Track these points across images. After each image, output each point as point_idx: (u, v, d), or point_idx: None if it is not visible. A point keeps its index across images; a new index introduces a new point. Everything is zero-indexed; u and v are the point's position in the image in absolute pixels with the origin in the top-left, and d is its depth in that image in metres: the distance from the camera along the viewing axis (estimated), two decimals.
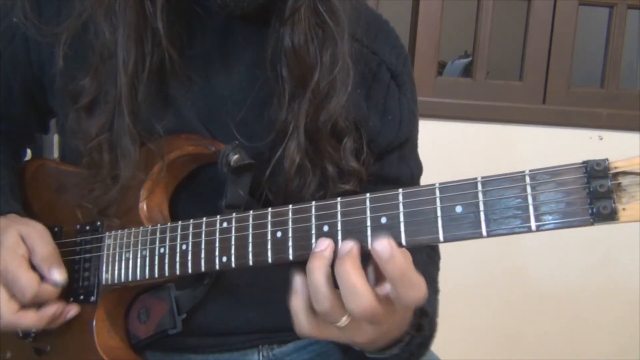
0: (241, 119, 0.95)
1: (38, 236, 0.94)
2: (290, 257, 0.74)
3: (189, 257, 0.84)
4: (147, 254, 0.89)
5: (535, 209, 0.60)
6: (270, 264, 0.76)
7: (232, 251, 0.80)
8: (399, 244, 0.68)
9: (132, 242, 0.91)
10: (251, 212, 0.79)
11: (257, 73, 0.96)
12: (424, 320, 0.84)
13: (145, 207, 0.93)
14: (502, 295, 2.43)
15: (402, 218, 0.67)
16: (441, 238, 0.65)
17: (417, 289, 0.67)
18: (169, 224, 0.88)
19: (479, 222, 0.63)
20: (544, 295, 2.44)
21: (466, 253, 2.29)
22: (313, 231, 0.73)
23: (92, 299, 0.95)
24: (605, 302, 2.44)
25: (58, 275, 0.93)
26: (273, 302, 1.01)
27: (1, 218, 0.96)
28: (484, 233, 0.63)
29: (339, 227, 0.71)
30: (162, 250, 0.87)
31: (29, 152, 1.30)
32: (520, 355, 2.44)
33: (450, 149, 2.32)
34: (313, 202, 0.74)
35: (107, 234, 0.95)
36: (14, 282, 0.90)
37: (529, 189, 0.61)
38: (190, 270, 0.84)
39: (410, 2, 2.41)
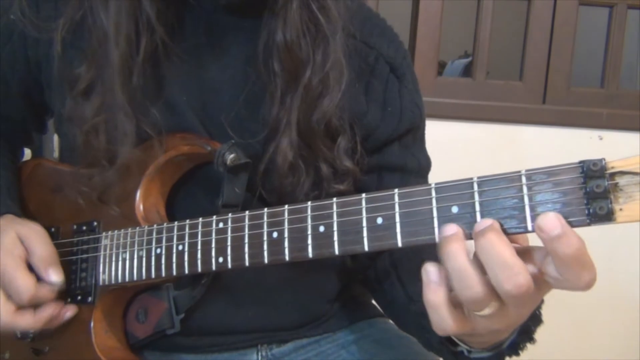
0: (234, 114, 0.95)
1: (36, 237, 0.94)
2: (287, 257, 0.74)
3: (186, 258, 0.84)
4: (144, 255, 0.89)
5: (532, 209, 0.60)
6: (267, 264, 0.76)
7: (229, 252, 0.80)
8: (395, 244, 0.67)
9: (128, 243, 0.91)
10: (247, 212, 0.79)
11: (250, 68, 0.96)
12: (535, 324, 0.78)
13: (141, 207, 0.93)
14: None
15: (398, 218, 0.67)
16: (437, 238, 0.65)
17: (590, 269, 0.60)
18: (165, 225, 0.87)
19: (476, 222, 0.62)
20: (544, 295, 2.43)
21: None
22: (309, 231, 0.73)
23: (90, 299, 0.95)
24: (605, 302, 2.44)
25: (55, 277, 0.93)
26: (272, 301, 1.02)
27: None
28: None
29: (335, 228, 0.71)
30: (158, 250, 0.87)
31: (29, 152, 1.29)
32: (520, 355, 2.43)
33: (450, 149, 2.32)
34: (309, 202, 0.74)
35: (103, 234, 0.95)
36: (11, 284, 0.90)
37: (525, 189, 0.60)
38: (187, 271, 0.84)
39: (410, 2, 2.41)
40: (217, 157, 0.88)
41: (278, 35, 0.90)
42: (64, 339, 0.98)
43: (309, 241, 0.73)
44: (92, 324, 0.94)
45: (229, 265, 0.80)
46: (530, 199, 0.60)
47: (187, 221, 0.85)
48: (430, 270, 0.64)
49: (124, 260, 0.91)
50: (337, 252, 0.71)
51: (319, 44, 0.92)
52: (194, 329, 0.98)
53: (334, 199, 0.72)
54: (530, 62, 2.42)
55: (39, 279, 0.92)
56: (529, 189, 0.60)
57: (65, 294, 0.96)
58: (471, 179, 0.63)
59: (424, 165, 1.08)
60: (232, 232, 0.79)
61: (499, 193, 0.61)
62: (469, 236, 0.63)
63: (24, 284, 0.90)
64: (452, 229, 0.63)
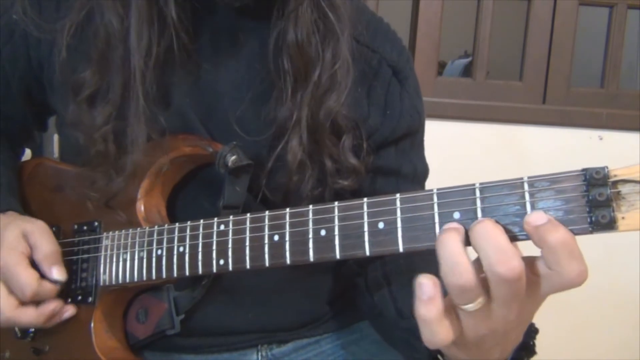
0: (242, 113, 0.95)
1: (40, 234, 0.94)
2: (288, 260, 0.74)
3: (186, 260, 0.84)
4: (145, 256, 0.89)
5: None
6: (268, 267, 0.76)
7: (230, 254, 0.80)
8: (396, 250, 0.67)
9: (129, 244, 0.91)
10: (248, 215, 0.79)
11: (258, 67, 0.96)
12: (532, 338, 0.75)
13: (142, 208, 0.93)
14: None
15: (399, 223, 0.67)
16: None
17: (580, 259, 0.58)
18: (166, 226, 0.87)
19: None
20: None
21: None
22: (310, 235, 0.73)
23: (90, 299, 0.95)
24: (605, 302, 2.44)
25: (58, 273, 0.93)
26: (272, 302, 1.02)
27: (1, 215, 0.97)
28: None
29: (336, 232, 0.71)
30: (159, 252, 0.87)
31: (29, 151, 1.29)
32: None
33: (450, 149, 2.32)
34: (310, 206, 0.74)
35: (104, 234, 0.95)
36: (13, 279, 0.90)
37: (527, 196, 0.60)
38: (187, 273, 0.84)
39: (410, 2, 2.41)
40: (218, 159, 0.88)
41: (289, 34, 0.90)
42: (64, 339, 0.98)
43: (310, 245, 0.73)
44: (92, 324, 0.95)
45: (230, 268, 0.80)
46: (532, 206, 0.60)
47: (188, 223, 0.85)
48: (423, 283, 0.61)
49: (124, 260, 0.92)
50: (338, 256, 0.71)
51: (328, 42, 0.92)
52: (194, 330, 0.98)
53: (336, 203, 0.72)
54: (530, 62, 2.42)
55: (41, 275, 0.92)
56: (531, 195, 0.60)
57: (65, 294, 0.96)
58: (473, 184, 0.63)
59: (421, 171, 1.08)
60: (233, 235, 0.79)
61: (501, 199, 0.61)
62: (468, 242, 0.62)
63: (27, 279, 0.90)
64: (452, 223, 0.63)
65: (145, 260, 0.89)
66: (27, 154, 1.29)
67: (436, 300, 0.60)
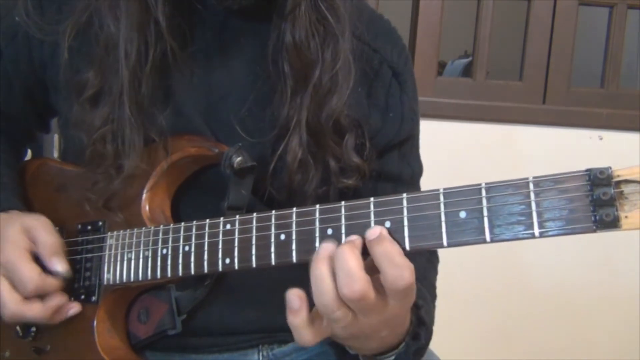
0: (243, 115, 0.96)
1: (41, 228, 0.95)
2: (294, 259, 0.75)
3: (192, 259, 0.84)
4: (150, 255, 0.89)
5: (539, 215, 0.61)
6: (274, 266, 0.77)
7: (235, 253, 0.80)
8: (402, 249, 0.68)
9: (134, 243, 0.91)
10: (255, 214, 0.79)
11: (258, 69, 0.96)
12: (421, 329, 0.84)
13: (147, 208, 0.93)
14: (502, 295, 2.44)
15: (406, 222, 0.68)
16: (445, 243, 0.66)
17: (401, 268, 0.67)
18: (171, 225, 0.88)
19: (483, 227, 0.63)
20: (545, 295, 2.44)
21: (466, 253, 2.28)
22: (317, 234, 0.73)
23: (93, 299, 0.95)
24: (605, 302, 2.45)
25: (60, 266, 0.93)
26: (273, 302, 1.01)
27: (2, 214, 0.97)
28: (488, 239, 0.63)
29: (343, 231, 0.72)
30: (164, 251, 0.87)
31: (29, 151, 1.30)
32: (520, 356, 2.44)
33: (450, 149, 2.32)
34: (317, 206, 0.74)
35: (109, 234, 0.95)
36: (16, 274, 0.90)
37: (532, 195, 0.61)
38: (193, 272, 0.84)
39: (410, 2, 2.41)
40: (224, 160, 0.89)
41: (287, 36, 0.91)
42: (65, 338, 0.98)
43: (317, 244, 0.73)
44: (95, 324, 0.94)
45: (236, 267, 0.80)
46: (537, 206, 0.61)
47: (194, 222, 0.85)
48: (291, 299, 0.73)
49: (129, 260, 0.92)
50: None
51: (328, 43, 0.92)
52: (196, 330, 0.98)
53: (342, 203, 0.73)
54: (530, 62, 2.42)
55: (45, 270, 0.93)
56: (536, 195, 0.61)
57: (69, 293, 0.96)
58: (479, 184, 0.64)
59: (417, 172, 1.09)
60: (239, 234, 0.80)
61: (506, 199, 0.62)
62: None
63: (29, 274, 0.90)
64: (327, 247, 0.71)
65: (150, 260, 0.89)
66: (28, 154, 1.29)
67: (301, 311, 0.72)
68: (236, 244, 0.80)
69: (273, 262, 0.77)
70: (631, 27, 2.55)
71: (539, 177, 0.61)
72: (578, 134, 2.38)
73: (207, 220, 0.84)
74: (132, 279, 0.91)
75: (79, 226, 1.00)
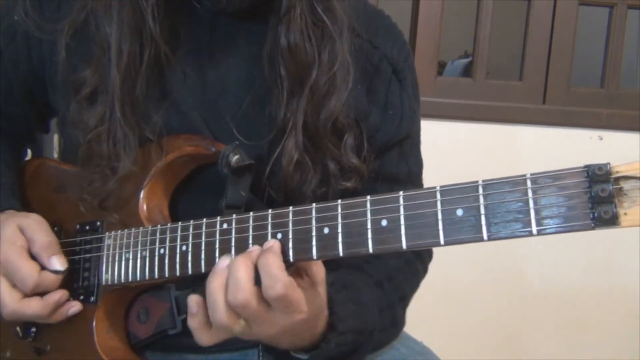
0: (240, 116, 0.96)
1: (36, 226, 0.95)
2: (291, 258, 0.75)
3: (189, 258, 0.84)
4: (147, 255, 0.89)
5: (537, 213, 0.60)
6: None
7: (233, 252, 0.80)
8: (399, 248, 0.68)
9: (132, 243, 0.91)
10: (251, 213, 0.79)
11: (255, 70, 0.96)
12: (331, 334, 0.85)
13: (145, 207, 0.93)
14: (502, 295, 2.43)
15: (402, 221, 0.67)
16: (442, 241, 0.65)
17: (274, 280, 0.72)
18: (169, 225, 0.88)
19: (480, 225, 0.63)
20: (544, 295, 2.44)
21: (466, 253, 2.29)
22: (313, 233, 0.73)
23: (92, 299, 0.95)
24: (605, 302, 2.44)
25: (58, 263, 0.93)
26: None
27: (0, 214, 0.97)
28: (485, 237, 0.63)
29: (339, 230, 0.71)
30: (162, 251, 0.87)
31: (29, 151, 1.30)
32: (520, 356, 2.44)
33: (450, 149, 2.32)
34: (314, 204, 0.74)
35: (107, 234, 0.95)
36: (15, 273, 0.90)
37: (530, 192, 0.60)
38: (190, 271, 0.84)
39: (410, 2, 2.41)
40: (221, 159, 0.88)
41: (282, 39, 0.91)
42: (65, 339, 0.98)
43: (314, 242, 0.73)
44: (94, 324, 0.94)
45: None
46: (535, 203, 0.60)
47: (191, 222, 0.85)
48: (190, 305, 0.79)
49: (127, 260, 0.92)
50: (341, 253, 0.71)
51: (325, 46, 0.92)
52: None
53: (339, 201, 0.72)
54: (530, 62, 2.42)
55: (42, 268, 0.93)
56: (534, 192, 0.60)
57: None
58: (476, 182, 0.63)
59: (415, 171, 1.09)
60: (236, 233, 0.80)
61: (504, 196, 0.62)
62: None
63: (28, 271, 0.90)
64: (222, 263, 0.77)
65: (147, 260, 0.89)
66: (28, 154, 1.29)
67: (198, 315, 0.79)
68: (233, 243, 0.80)
69: None
70: (631, 27, 2.55)
71: (536, 174, 0.60)
72: (578, 134, 2.38)
73: (204, 220, 0.83)
74: (130, 279, 0.91)
75: (77, 226, 1.00)
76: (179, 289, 0.95)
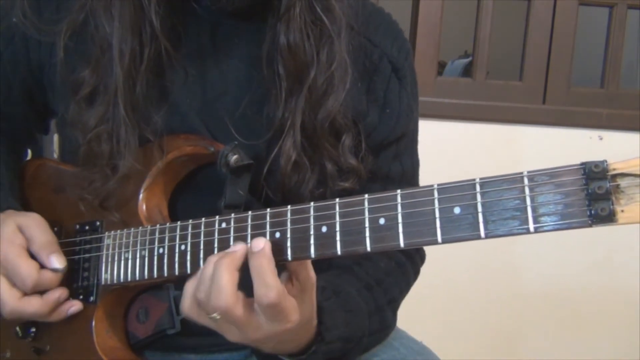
0: (239, 116, 0.96)
1: (35, 225, 0.95)
2: (289, 257, 0.74)
3: (188, 258, 0.84)
4: (146, 254, 0.89)
5: (534, 210, 0.60)
6: None
7: None
8: (397, 246, 0.68)
9: (131, 242, 0.91)
10: (250, 212, 0.79)
11: (254, 70, 0.96)
12: (319, 344, 0.84)
13: (144, 207, 0.93)
14: (502, 295, 2.43)
15: (400, 219, 0.67)
16: (439, 239, 0.65)
17: (268, 288, 0.71)
18: (167, 224, 0.88)
19: (477, 223, 0.63)
20: (544, 295, 2.44)
21: (466, 253, 2.29)
22: (312, 232, 0.73)
23: (92, 299, 0.95)
24: (605, 302, 2.44)
25: (57, 261, 0.93)
26: None
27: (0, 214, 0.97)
28: (482, 234, 0.63)
29: (338, 228, 0.71)
30: (161, 250, 0.87)
31: (29, 152, 1.30)
32: (520, 356, 2.44)
33: (450, 149, 2.32)
34: (312, 203, 0.74)
35: (106, 234, 0.95)
36: (14, 272, 0.90)
37: (527, 190, 0.60)
38: (189, 271, 0.84)
39: (410, 2, 2.41)
40: (220, 158, 0.88)
41: (281, 38, 0.91)
42: (65, 339, 0.98)
43: (312, 241, 0.73)
44: (93, 324, 0.95)
45: None
46: (532, 200, 0.60)
47: (190, 221, 0.85)
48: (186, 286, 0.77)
49: (126, 259, 0.92)
50: (339, 252, 0.71)
51: (323, 45, 0.92)
52: (195, 329, 0.97)
53: (337, 200, 0.72)
54: (530, 62, 2.42)
55: (42, 267, 0.93)
56: (531, 190, 0.60)
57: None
58: (473, 180, 0.63)
59: (409, 171, 1.08)
60: (234, 232, 0.79)
61: (501, 194, 0.62)
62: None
63: (27, 270, 0.90)
64: (237, 247, 0.75)
65: (147, 259, 0.89)
66: (28, 154, 1.29)
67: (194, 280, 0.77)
68: (232, 242, 0.79)
69: None
70: (631, 27, 2.55)
71: (533, 172, 0.60)
72: (578, 134, 2.38)
73: (203, 219, 0.84)
74: (129, 279, 0.91)
75: (77, 226, 1.00)
76: (178, 289, 0.95)
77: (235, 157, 0.88)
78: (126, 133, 0.92)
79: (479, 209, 0.63)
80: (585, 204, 0.58)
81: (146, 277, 0.89)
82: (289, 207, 0.76)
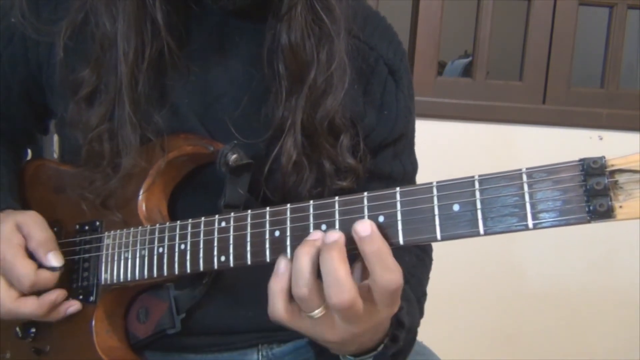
0: (238, 115, 0.96)
1: (34, 223, 0.95)
2: (289, 256, 0.74)
3: (188, 257, 0.84)
4: (146, 254, 0.89)
5: (532, 207, 0.60)
6: (269, 263, 0.76)
7: (231, 250, 0.80)
8: (397, 243, 0.68)
9: (130, 242, 0.91)
10: (249, 211, 0.79)
11: (254, 70, 0.96)
12: (399, 331, 0.83)
13: (144, 207, 0.93)
14: (502, 295, 2.43)
15: (399, 217, 0.67)
16: (439, 236, 0.65)
17: (392, 271, 0.67)
18: (167, 224, 0.88)
19: (476, 220, 0.63)
20: (544, 295, 2.44)
21: (466, 252, 2.29)
22: (311, 230, 0.73)
23: (91, 298, 0.95)
24: (605, 302, 2.44)
25: (54, 259, 0.94)
26: None
27: None
28: (481, 231, 0.63)
29: (337, 226, 0.71)
30: (160, 250, 0.87)
31: (29, 152, 1.30)
32: (520, 355, 2.44)
33: (450, 149, 2.32)
34: (311, 201, 0.74)
35: (106, 233, 0.95)
36: (12, 271, 0.91)
37: (526, 187, 0.60)
38: (188, 270, 0.84)
39: (410, 2, 2.41)
40: (219, 158, 0.88)
41: (283, 37, 0.91)
42: (65, 339, 0.98)
43: None
44: (93, 323, 0.94)
45: (231, 264, 0.80)
46: (530, 197, 0.60)
47: (189, 220, 0.85)
48: (280, 262, 0.72)
49: (126, 259, 0.92)
50: None
51: (323, 45, 0.92)
52: (195, 329, 0.98)
53: (336, 198, 0.72)
54: (530, 62, 2.42)
55: (40, 266, 0.93)
56: (530, 187, 0.60)
57: (67, 293, 0.96)
58: (472, 177, 0.64)
59: (410, 171, 1.09)
60: (234, 231, 0.80)
61: (500, 191, 0.62)
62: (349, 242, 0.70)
63: (24, 270, 0.90)
64: (315, 234, 0.71)
65: (146, 259, 0.89)
66: (28, 155, 1.29)
67: (284, 278, 0.72)
68: (231, 241, 0.80)
69: (268, 259, 0.76)
70: (631, 27, 2.55)
71: (532, 168, 0.60)
72: (578, 134, 2.38)
73: (202, 218, 0.84)
74: (129, 279, 0.91)
75: (77, 226, 1.00)
76: (178, 289, 0.95)
77: (234, 156, 0.88)
78: (128, 132, 0.91)
79: (478, 205, 0.63)
80: (584, 200, 0.58)
81: (146, 276, 0.89)
82: (288, 205, 0.76)
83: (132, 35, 0.91)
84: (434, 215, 0.65)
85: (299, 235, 0.74)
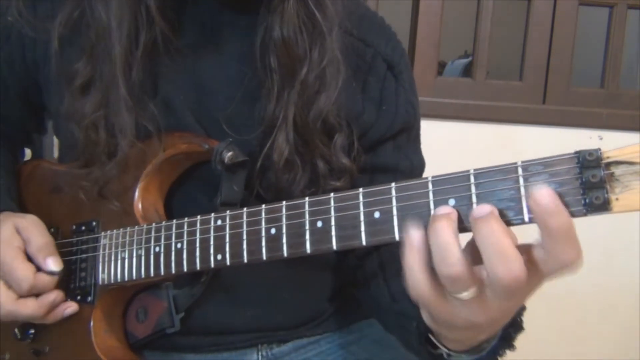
0: (231, 112, 0.95)
1: (33, 227, 0.95)
2: (285, 253, 0.74)
3: (184, 256, 0.84)
4: (143, 253, 0.89)
5: (529, 200, 0.60)
6: (265, 260, 0.76)
7: (227, 249, 0.80)
8: (393, 239, 0.67)
9: (127, 242, 0.91)
10: (245, 209, 0.79)
11: (246, 65, 0.96)
12: (515, 330, 0.79)
13: (140, 206, 0.93)
14: None
15: (395, 212, 0.67)
16: None
17: (577, 248, 0.58)
18: (163, 223, 0.88)
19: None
20: (544, 295, 2.42)
21: None
22: (307, 227, 0.73)
23: (89, 299, 0.95)
24: (605, 302, 2.44)
25: (53, 264, 0.94)
26: (272, 300, 1.01)
27: None
28: None
29: (333, 223, 0.71)
30: (157, 249, 0.87)
31: (29, 152, 1.30)
32: (520, 355, 2.43)
33: (450, 149, 2.32)
34: (307, 198, 0.74)
35: (102, 233, 0.95)
36: (11, 274, 0.91)
37: (521, 180, 0.60)
38: (185, 269, 0.84)
39: (410, 2, 2.41)
40: (214, 156, 0.88)
41: (275, 31, 0.91)
42: (64, 339, 0.98)
43: (307, 237, 0.73)
44: (91, 324, 0.95)
45: (228, 262, 0.80)
46: (526, 190, 0.60)
47: (186, 219, 0.85)
48: (413, 234, 0.62)
49: (123, 259, 0.92)
50: (335, 247, 0.71)
51: (315, 41, 0.92)
52: (194, 329, 0.98)
53: (332, 194, 0.72)
54: (530, 62, 2.42)
55: (38, 269, 0.93)
56: (525, 180, 0.60)
57: (64, 294, 0.96)
58: (468, 171, 0.63)
59: (417, 165, 1.07)
60: (230, 229, 0.80)
61: (495, 185, 0.61)
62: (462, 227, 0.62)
63: (23, 273, 0.91)
64: (445, 209, 0.62)
65: (143, 258, 0.89)
66: (27, 154, 1.29)
67: (421, 251, 0.62)
68: (227, 239, 0.80)
69: (264, 257, 0.76)
70: (631, 27, 2.55)
71: (527, 162, 0.60)
72: (578, 134, 2.37)
73: (198, 217, 0.84)
74: (126, 278, 0.91)
75: (74, 227, 1.00)
76: (177, 288, 0.95)
77: (230, 154, 0.88)
78: (124, 116, 0.91)
79: (474, 200, 0.62)
80: (580, 192, 0.57)
81: (143, 276, 0.89)
82: (284, 202, 0.76)
83: (125, 21, 0.91)
84: (429, 210, 0.64)
85: (295, 233, 0.74)
